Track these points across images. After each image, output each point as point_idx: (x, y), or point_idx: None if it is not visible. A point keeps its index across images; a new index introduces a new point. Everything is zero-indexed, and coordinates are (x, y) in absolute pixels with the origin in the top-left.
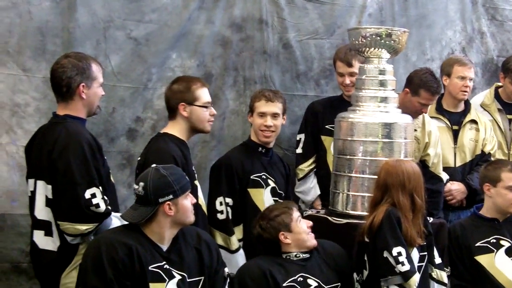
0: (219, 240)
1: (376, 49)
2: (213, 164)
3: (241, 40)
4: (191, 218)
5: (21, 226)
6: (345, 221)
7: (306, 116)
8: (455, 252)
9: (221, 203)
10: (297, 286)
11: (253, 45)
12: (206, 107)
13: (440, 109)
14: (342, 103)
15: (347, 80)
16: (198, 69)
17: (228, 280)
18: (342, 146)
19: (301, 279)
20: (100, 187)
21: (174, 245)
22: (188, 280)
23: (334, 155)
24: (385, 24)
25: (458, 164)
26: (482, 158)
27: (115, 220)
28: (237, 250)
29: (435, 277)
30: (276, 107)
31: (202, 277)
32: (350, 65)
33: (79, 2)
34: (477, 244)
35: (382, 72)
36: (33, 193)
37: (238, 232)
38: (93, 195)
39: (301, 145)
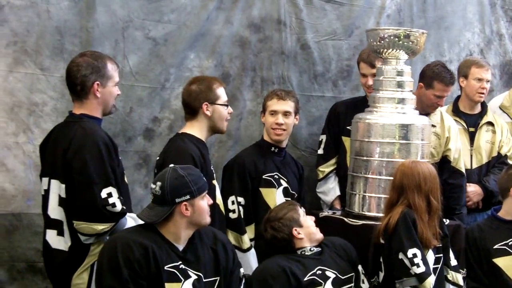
0: (231, 239)
1: (394, 50)
2: (226, 164)
3: (259, 41)
4: (207, 219)
5: (37, 226)
6: (361, 222)
7: (328, 117)
8: (473, 254)
9: (233, 202)
10: (317, 279)
11: (271, 46)
12: (226, 105)
13: (456, 111)
14: (365, 104)
15: (370, 81)
16: (216, 69)
17: (244, 281)
18: (359, 147)
19: (320, 272)
20: (116, 187)
21: (190, 245)
22: (204, 280)
23: (351, 156)
24: (404, 25)
25: (474, 166)
26: (498, 160)
27: (130, 221)
28: (248, 249)
29: (450, 279)
30: (288, 105)
31: (218, 278)
32: (373, 66)
33: (98, 1)
34: (495, 247)
35: (400, 73)
36: (47, 192)
37: (250, 231)
38: (109, 195)
39: (322, 145)
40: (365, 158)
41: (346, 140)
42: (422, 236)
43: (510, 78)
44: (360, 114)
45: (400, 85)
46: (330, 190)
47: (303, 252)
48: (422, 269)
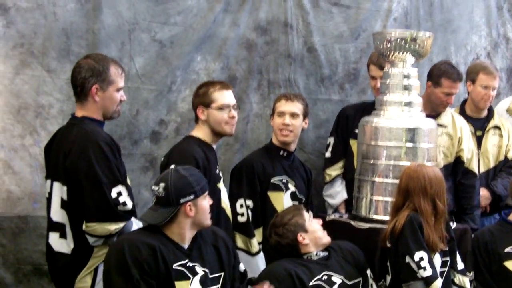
0: (240, 243)
1: (401, 53)
2: (234, 167)
3: (266, 43)
4: (209, 221)
5: (43, 228)
6: (368, 225)
7: (337, 120)
8: (482, 258)
9: (241, 206)
10: (323, 284)
11: (277, 49)
12: (221, 109)
13: (463, 115)
14: (374, 108)
15: (379, 84)
16: (223, 72)
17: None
18: (366, 150)
19: (326, 277)
20: (124, 185)
21: (194, 243)
22: (209, 276)
23: (358, 159)
24: (410, 28)
25: (482, 170)
26: (506, 164)
27: (135, 225)
28: (257, 253)
29: (457, 282)
30: (295, 107)
31: (222, 273)
32: (382, 68)
33: (104, 3)
34: (506, 250)
35: (406, 76)
36: (50, 194)
37: (258, 235)
38: (119, 194)
39: (330, 148)
40: (372, 161)
41: (353, 144)
42: (429, 240)
43: None
44: (367, 117)
45: (407, 88)
46: (337, 194)
47: (309, 257)
48: (429, 272)
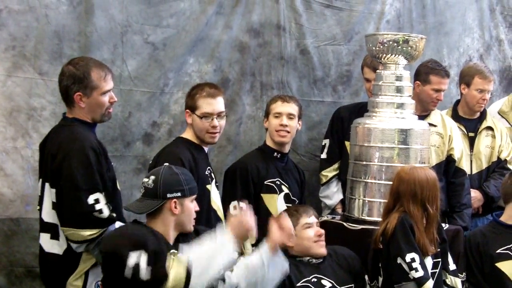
0: None
1: (393, 55)
2: (227, 168)
3: (258, 46)
4: (191, 225)
5: (36, 230)
6: (360, 227)
7: (332, 122)
8: (475, 259)
9: (235, 207)
10: (311, 286)
11: (270, 51)
12: (203, 117)
13: (456, 116)
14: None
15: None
16: (215, 74)
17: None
18: (359, 152)
19: (315, 279)
20: (104, 193)
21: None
22: None
23: (350, 161)
24: (403, 31)
25: (475, 171)
26: (498, 165)
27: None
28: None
29: (449, 283)
30: (292, 108)
31: None
32: (376, 71)
33: (97, 6)
34: (498, 251)
35: (399, 78)
36: (42, 194)
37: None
38: (97, 201)
39: (325, 150)
40: (364, 162)
41: (349, 145)
42: (419, 243)
43: (509, 83)
44: (360, 118)
45: (399, 90)
46: (333, 194)
47: (301, 259)
48: (420, 273)
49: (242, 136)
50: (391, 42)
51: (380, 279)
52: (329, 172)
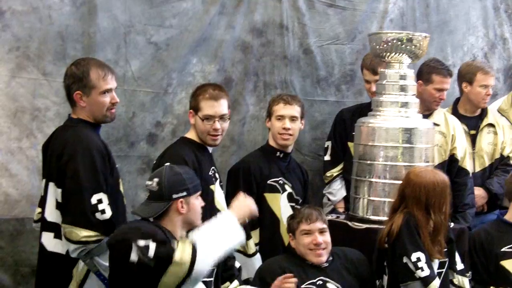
0: None
1: (397, 54)
2: (230, 168)
3: (261, 45)
4: (199, 220)
5: None
6: (365, 226)
7: (334, 123)
8: (479, 257)
9: None
10: None
11: (273, 50)
12: (205, 119)
13: (456, 114)
14: (370, 110)
15: (373, 87)
16: (219, 74)
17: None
18: (363, 151)
19: (320, 282)
20: (107, 194)
21: None
22: None
23: (354, 160)
24: (406, 30)
25: (477, 169)
26: (501, 162)
27: None
28: (254, 254)
29: (456, 283)
30: (294, 110)
31: (215, 268)
32: (375, 72)
33: (100, 7)
34: (503, 249)
35: (403, 77)
36: (45, 193)
37: (255, 236)
38: (100, 201)
39: (329, 152)
40: (368, 162)
41: (352, 146)
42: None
43: None
44: (363, 118)
45: (403, 89)
46: (337, 191)
47: (307, 261)
48: (426, 272)
49: (246, 136)
50: (395, 41)
51: (385, 278)
52: (333, 172)
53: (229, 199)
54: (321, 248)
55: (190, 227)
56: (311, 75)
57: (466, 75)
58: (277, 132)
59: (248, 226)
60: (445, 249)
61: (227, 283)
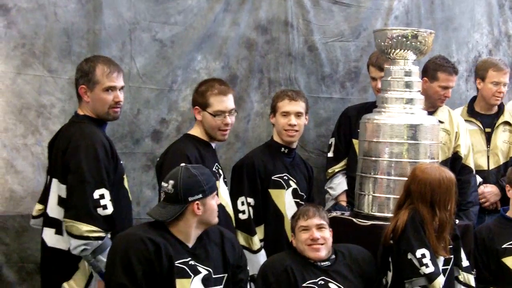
0: (241, 240)
1: (402, 50)
2: (235, 164)
3: (266, 42)
4: (216, 219)
5: None
6: (370, 222)
7: (339, 120)
8: (480, 255)
9: (242, 203)
10: None
11: (278, 47)
12: (216, 115)
13: (472, 112)
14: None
15: (379, 85)
16: (223, 71)
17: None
18: (368, 147)
19: (322, 282)
20: (109, 190)
21: (199, 243)
22: (213, 276)
23: (359, 157)
24: (411, 26)
25: (492, 167)
26: None
27: None
28: (259, 250)
29: (462, 280)
30: (300, 106)
31: (226, 274)
32: (382, 69)
33: (105, 4)
34: (503, 246)
35: (408, 73)
36: (48, 189)
37: (260, 232)
38: (102, 196)
39: (332, 148)
40: (373, 158)
41: (356, 143)
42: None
43: None
44: (369, 114)
45: (408, 85)
46: (337, 185)
47: (309, 260)
48: (431, 269)
49: (251, 132)
50: (399, 37)
51: (389, 274)
52: (335, 169)
53: (233, 195)
54: (319, 244)
55: (206, 226)
56: (315, 72)
57: (479, 72)
58: (282, 128)
59: (253, 222)
60: (451, 246)
61: None
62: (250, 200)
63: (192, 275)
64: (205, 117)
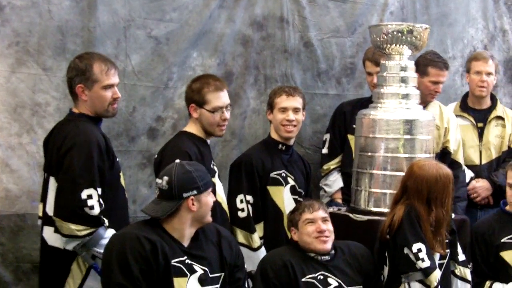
0: (241, 238)
1: (398, 45)
2: (233, 162)
3: (262, 39)
4: (209, 217)
5: None
6: (366, 218)
7: (334, 116)
8: (480, 249)
9: (241, 201)
10: (316, 283)
11: (274, 44)
12: (214, 111)
13: (464, 107)
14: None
15: (375, 80)
16: (219, 68)
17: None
18: (364, 143)
19: (321, 277)
20: (99, 189)
21: (195, 242)
22: (210, 275)
23: (355, 152)
24: (407, 22)
25: (484, 161)
26: (509, 155)
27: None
28: (259, 248)
29: (458, 274)
30: (297, 102)
31: (223, 273)
32: (378, 64)
33: (99, 1)
34: (503, 240)
35: (403, 68)
36: (46, 188)
37: (259, 229)
38: (90, 196)
39: (327, 144)
40: (370, 154)
41: (351, 139)
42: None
43: None
44: (364, 110)
45: (404, 80)
46: (333, 183)
47: (309, 254)
48: (427, 263)
49: (247, 130)
50: (395, 33)
51: (386, 268)
52: (330, 165)
53: (232, 193)
54: (325, 236)
55: (200, 224)
56: (311, 68)
57: (466, 65)
58: (280, 124)
59: (252, 219)
60: (447, 240)
61: None
62: (249, 197)
63: (189, 274)
64: (203, 114)
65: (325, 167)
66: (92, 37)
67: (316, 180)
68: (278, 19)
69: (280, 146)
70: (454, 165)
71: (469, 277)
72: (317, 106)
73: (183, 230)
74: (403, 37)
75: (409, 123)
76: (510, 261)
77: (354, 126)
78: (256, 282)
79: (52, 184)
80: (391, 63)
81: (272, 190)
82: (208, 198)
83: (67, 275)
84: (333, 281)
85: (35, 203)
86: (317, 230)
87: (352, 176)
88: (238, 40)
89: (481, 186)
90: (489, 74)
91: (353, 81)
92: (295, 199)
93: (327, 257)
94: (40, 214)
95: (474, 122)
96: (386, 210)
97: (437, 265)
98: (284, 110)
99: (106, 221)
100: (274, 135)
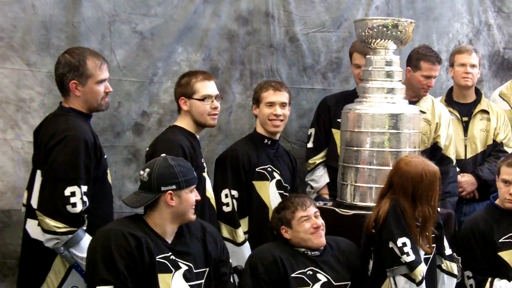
0: (225, 233)
1: (383, 40)
2: (218, 156)
3: (247, 34)
4: (192, 215)
5: None
6: (352, 212)
7: (318, 110)
8: (480, 247)
9: (226, 196)
10: (306, 278)
11: (259, 39)
12: (204, 100)
13: (449, 101)
14: (355, 97)
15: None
16: (204, 63)
17: (234, 273)
18: (349, 137)
19: (311, 272)
20: (84, 187)
21: (180, 238)
22: (194, 271)
23: (341, 147)
24: (392, 16)
25: (469, 155)
26: (494, 148)
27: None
28: (243, 242)
29: (444, 268)
30: (284, 97)
31: (207, 268)
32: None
33: None
34: (500, 240)
35: (388, 63)
36: (32, 180)
37: (244, 224)
38: (73, 194)
39: (312, 139)
40: (355, 148)
41: (336, 133)
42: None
43: (498, 68)
44: (350, 104)
45: (389, 75)
46: (319, 178)
47: (298, 249)
48: (412, 257)
49: (233, 124)
50: (380, 27)
51: (371, 262)
52: (316, 160)
53: (217, 188)
54: (321, 230)
55: (181, 220)
56: (297, 63)
57: (450, 59)
58: (267, 118)
59: (237, 214)
60: (433, 235)
61: None
62: (234, 192)
63: (173, 270)
64: (193, 105)
65: (310, 161)
66: (77, 32)
67: (302, 175)
68: (263, 14)
69: (266, 140)
70: (444, 160)
71: (455, 272)
72: (303, 101)
73: (164, 226)
74: (388, 32)
75: (394, 117)
76: (510, 262)
77: (339, 120)
78: (245, 277)
79: (38, 177)
80: (376, 57)
81: (258, 184)
82: (189, 195)
83: (48, 270)
84: (322, 277)
85: (20, 199)
86: (313, 226)
87: (338, 171)
88: (223, 35)
89: (466, 181)
90: (473, 66)
91: (339, 75)
92: (281, 194)
93: (316, 252)
94: (25, 202)
95: (459, 116)
96: (372, 204)
97: (422, 259)
98: (271, 104)
99: (86, 222)
100: (260, 130)
